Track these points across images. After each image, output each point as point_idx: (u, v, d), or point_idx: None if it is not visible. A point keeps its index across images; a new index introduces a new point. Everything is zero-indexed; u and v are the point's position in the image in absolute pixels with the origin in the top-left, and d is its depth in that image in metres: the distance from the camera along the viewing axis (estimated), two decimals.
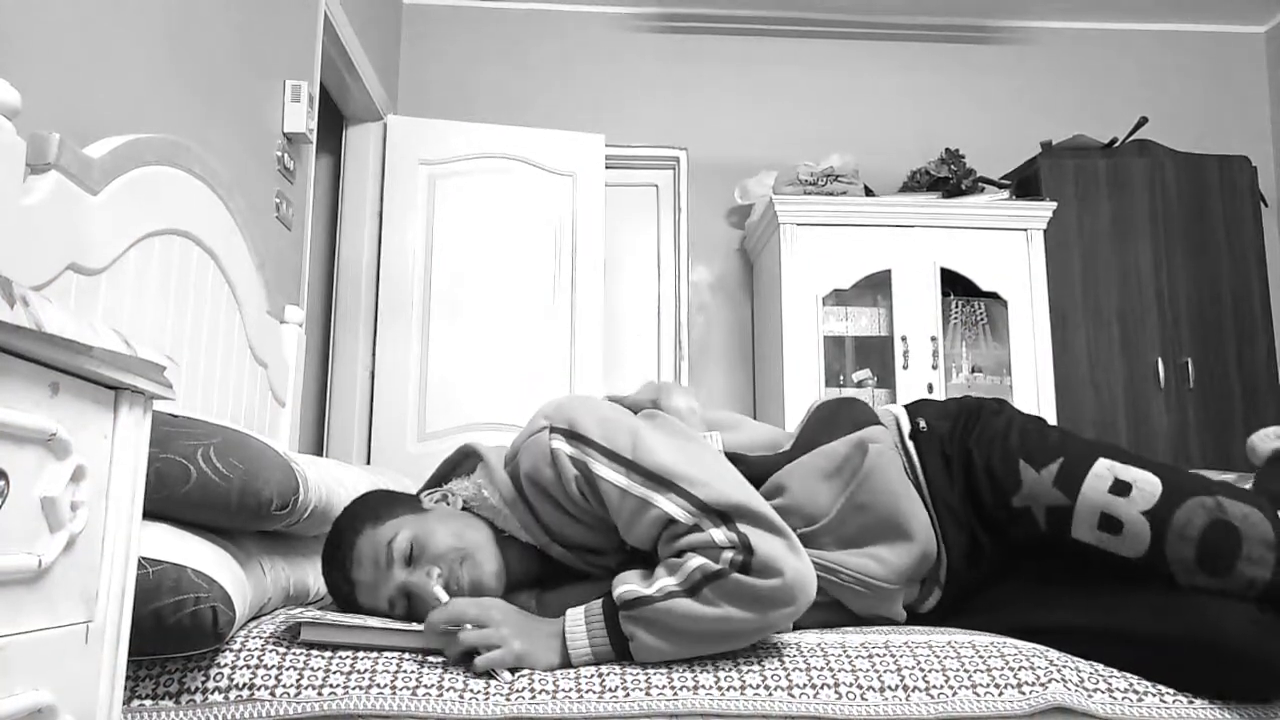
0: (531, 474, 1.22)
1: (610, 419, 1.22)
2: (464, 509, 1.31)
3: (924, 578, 1.33)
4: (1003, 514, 1.27)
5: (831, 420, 1.39)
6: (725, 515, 1.10)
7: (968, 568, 1.32)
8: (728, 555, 1.08)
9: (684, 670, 1.09)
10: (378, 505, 1.26)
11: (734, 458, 1.32)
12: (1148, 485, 1.18)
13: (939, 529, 1.31)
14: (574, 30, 4.16)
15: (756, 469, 1.31)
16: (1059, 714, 1.08)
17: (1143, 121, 3.85)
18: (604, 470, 1.17)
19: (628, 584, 1.11)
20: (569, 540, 1.26)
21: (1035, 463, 1.25)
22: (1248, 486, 1.42)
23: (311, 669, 1.07)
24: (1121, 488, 1.18)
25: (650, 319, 4.13)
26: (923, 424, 1.37)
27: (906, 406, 1.43)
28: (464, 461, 1.38)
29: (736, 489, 1.14)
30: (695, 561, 1.08)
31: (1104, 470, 1.20)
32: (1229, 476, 1.54)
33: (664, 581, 1.09)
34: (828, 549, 1.28)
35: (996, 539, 1.31)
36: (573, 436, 1.20)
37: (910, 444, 1.36)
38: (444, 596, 1.16)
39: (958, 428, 1.35)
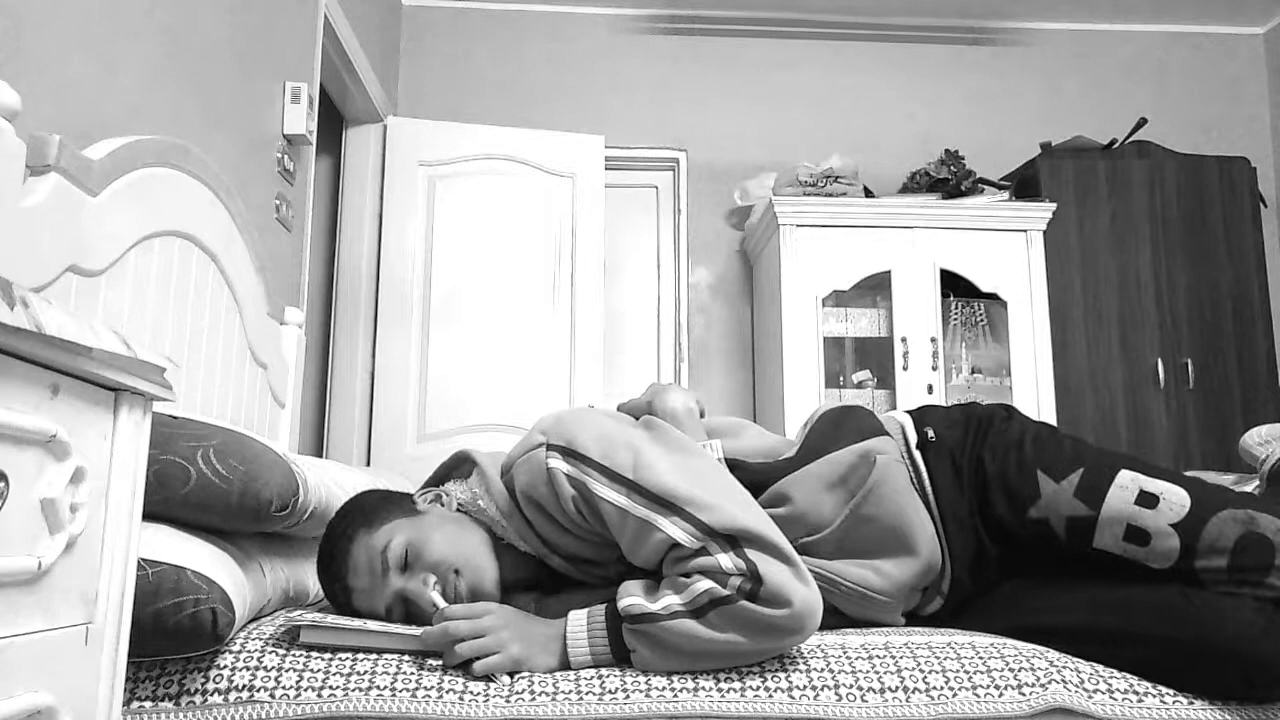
0: (528, 491, 1.21)
1: (609, 436, 1.20)
2: (460, 509, 1.30)
3: (925, 586, 1.32)
4: (1017, 525, 1.26)
5: (836, 428, 1.36)
6: (733, 540, 1.08)
7: (971, 578, 1.31)
8: (735, 582, 1.06)
9: (684, 672, 1.09)
10: (370, 509, 1.24)
11: (733, 464, 1.31)
12: (1175, 498, 1.17)
13: (945, 540, 1.29)
14: (573, 32, 4.16)
15: (757, 476, 1.30)
16: (1059, 715, 1.08)
17: (1142, 122, 3.85)
18: (604, 490, 1.15)
19: (633, 596, 1.10)
20: (567, 552, 1.26)
21: (1054, 473, 1.23)
22: (1249, 489, 1.41)
23: (311, 671, 1.07)
24: (1148, 499, 1.17)
25: (650, 320, 4.13)
26: (931, 433, 1.35)
27: (911, 413, 1.41)
28: (460, 466, 1.38)
29: (743, 512, 1.12)
30: (703, 585, 1.07)
31: (1128, 481, 1.19)
32: (1228, 478, 1.54)
33: (669, 600, 1.08)
34: (828, 558, 1.27)
35: (1004, 549, 1.29)
36: (570, 454, 1.18)
37: (917, 454, 1.34)
38: (441, 603, 1.16)
39: (968, 437, 1.33)
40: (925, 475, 1.32)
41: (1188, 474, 1.29)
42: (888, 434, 1.35)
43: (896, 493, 1.28)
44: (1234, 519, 1.14)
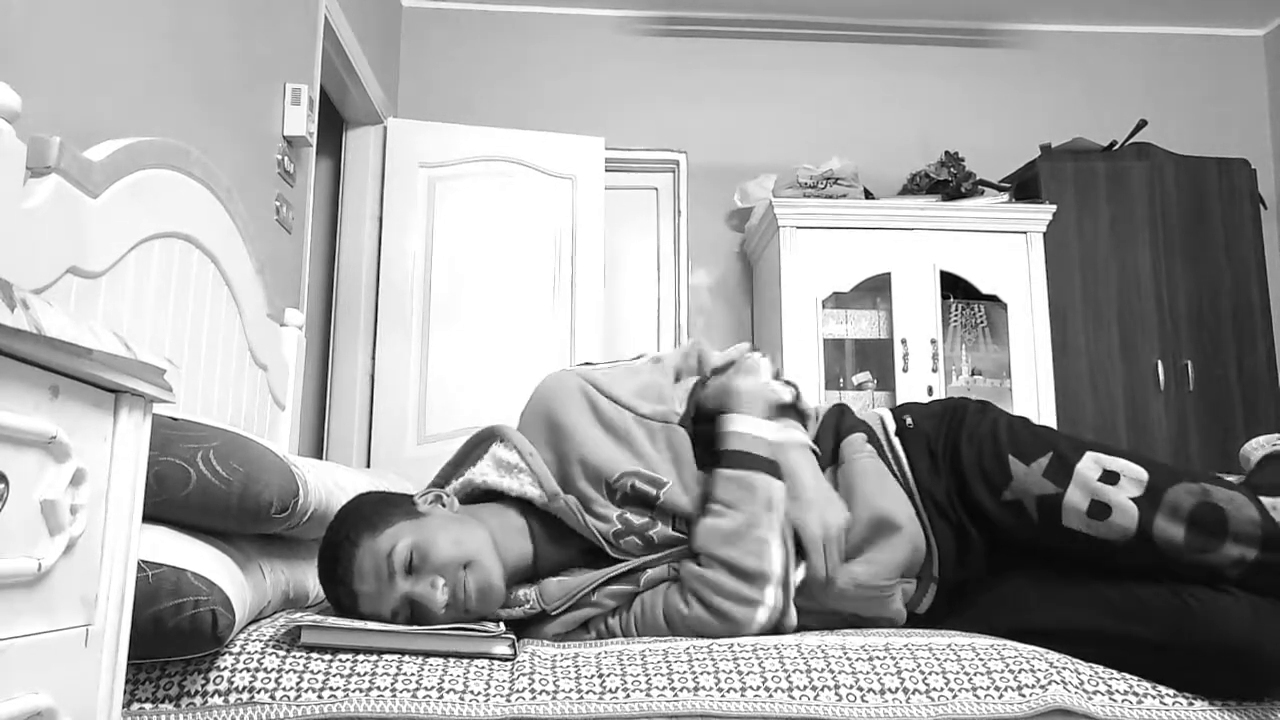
0: (545, 389, 1.38)
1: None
2: (469, 497, 1.35)
3: (919, 574, 1.34)
4: (994, 508, 1.30)
5: (818, 435, 1.44)
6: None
7: (958, 561, 1.34)
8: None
9: (685, 671, 1.10)
10: (372, 513, 1.25)
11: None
12: (1135, 473, 1.22)
13: (928, 522, 1.34)
14: (574, 33, 4.17)
15: None
16: (1059, 716, 1.08)
17: (1142, 124, 3.85)
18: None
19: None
20: (582, 471, 1.31)
21: (1024, 457, 1.28)
22: None
23: (311, 672, 1.07)
24: (1110, 477, 1.22)
25: (650, 322, 4.13)
26: (909, 420, 1.42)
27: (892, 409, 1.48)
28: (475, 450, 1.43)
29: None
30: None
31: (1091, 462, 1.24)
32: (1229, 480, 1.55)
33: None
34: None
35: (985, 534, 1.33)
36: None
37: (896, 440, 1.40)
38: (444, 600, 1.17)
39: (943, 425, 1.39)
40: (904, 460, 1.38)
41: None
42: (860, 430, 1.41)
43: (867, 475, 1.35)
44: (1189, 491, 1.18)
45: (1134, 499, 1.19)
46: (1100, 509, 1.21)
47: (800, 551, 1.28)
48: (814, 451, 1.37)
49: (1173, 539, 1.17)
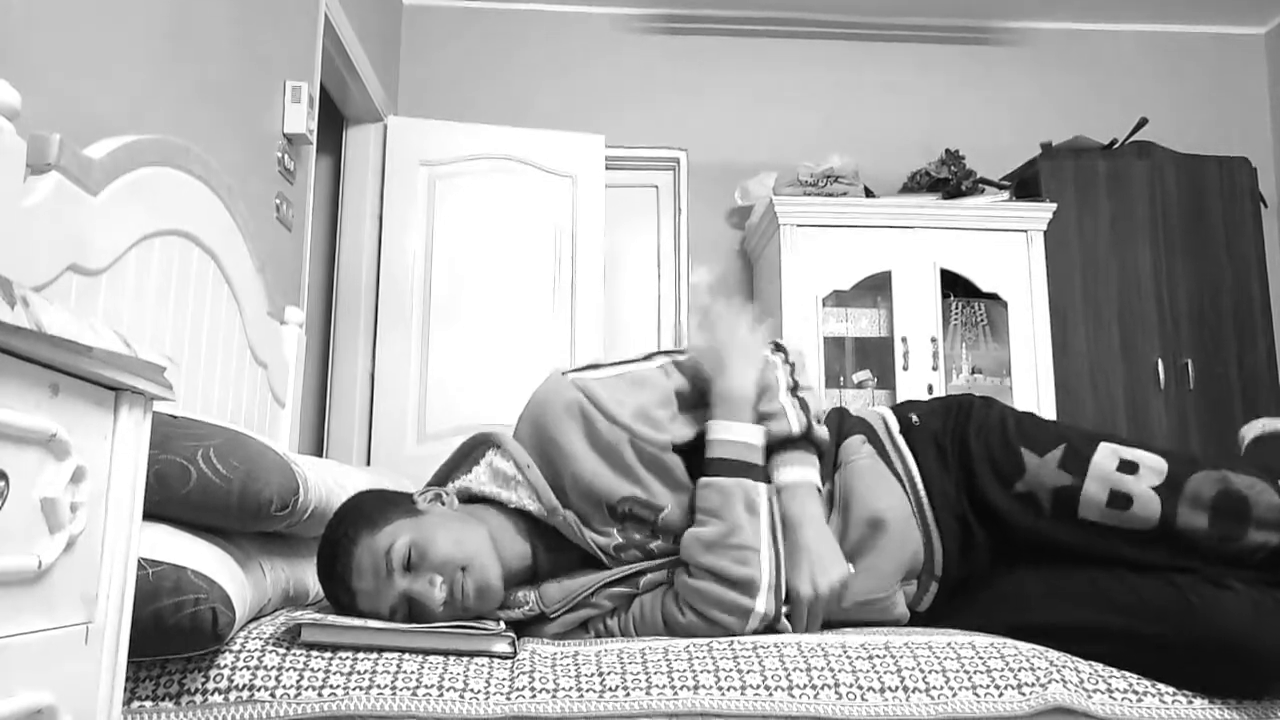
0: (542, 398, 1.32)
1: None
2: (467, 500, 1.33)
3: (920, 572, 1.33)
4: (1004, 502, 1.28)
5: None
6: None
7: (961, 558, 1.33)
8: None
9: (685, 669, 1.10)
10: (371, 511, 1.24)
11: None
12: (1154, 463, 1.21)
13: (936, 517, 1.32)
14: (574, 31, 4.16)
15: None
16: (1059, 714, 1.08)
17: (1143, 122, 3.85)
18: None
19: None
20: (579, 505, 1.29)
21: (1037, 448, 1.27)
22: None
23: (312, 670, 1.07)
24: (1128, 467, 1.21)
25: (650, 320, 4.13)
26: (914, 418, 1.40)
27: (892, 407, 1.46)
28: (471, 454, 1.41)
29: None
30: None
31: (1108, 453, 1.23)
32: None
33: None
34: None
35: (991, 531, 1.32)
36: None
37: (900, 439, 1.39)
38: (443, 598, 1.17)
39: (950, 421, 1.38)
40: (909, 457, 1.36)
41: None
42: (859, 431, 1.40)
43: (863, 481, 1.33)
44: (1209, 479, 1.18)
45: (1155, 488, 1.19)
46: (1122, 499, 1.20)
47: (786, 597, 1.25)
48: (819, 490, 1.32)
49: (1196, 527, 1.17)
